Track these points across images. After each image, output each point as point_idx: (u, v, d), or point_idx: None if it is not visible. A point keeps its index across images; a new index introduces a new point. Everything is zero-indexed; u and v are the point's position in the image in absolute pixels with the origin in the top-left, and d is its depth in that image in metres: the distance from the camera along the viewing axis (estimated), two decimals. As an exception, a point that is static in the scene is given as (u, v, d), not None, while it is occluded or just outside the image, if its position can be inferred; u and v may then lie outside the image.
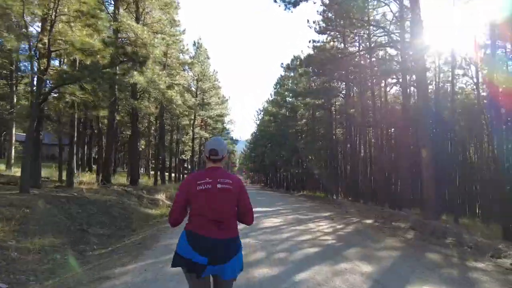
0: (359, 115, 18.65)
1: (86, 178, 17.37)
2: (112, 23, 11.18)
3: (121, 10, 13.20)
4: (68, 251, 5.11)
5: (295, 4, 12.46)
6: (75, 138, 11.63)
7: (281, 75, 33.85)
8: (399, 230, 8.70)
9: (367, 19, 16.30)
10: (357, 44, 20.05)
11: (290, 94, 31.89)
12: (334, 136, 23.00)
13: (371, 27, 17.54)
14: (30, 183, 7.92)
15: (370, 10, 16.53)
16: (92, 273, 3.92)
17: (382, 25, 16.06)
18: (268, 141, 38.15)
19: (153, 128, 30.41)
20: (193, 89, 28.91)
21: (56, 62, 12.48)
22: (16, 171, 13.13)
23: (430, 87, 22.44)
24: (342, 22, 17.42)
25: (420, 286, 3.78)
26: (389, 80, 18.98)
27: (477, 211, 21.15)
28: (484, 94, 17.71)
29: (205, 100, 28.90)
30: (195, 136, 29.68)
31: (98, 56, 7.88)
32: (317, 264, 4.45)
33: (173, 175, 33.32)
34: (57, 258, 4.72)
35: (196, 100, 24.81)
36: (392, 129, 18.42)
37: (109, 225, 7.59)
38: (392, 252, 5.76)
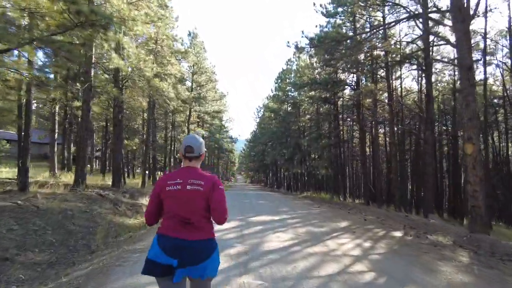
0: (372, 109, 16.64)
1: (68, 179, 15.48)
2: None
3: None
4: None
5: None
6: (24, 131, 9.52)
7: (282, 69, 31.88)
8: (443, 248, 6.67)
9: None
10: (368, 29, 18.08)
11: (292, 89, 29.92)
12: (341, 133, 20.97)
13: (386, 7, 15.55)
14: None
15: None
16: None
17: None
18: (269, 139, 36.14)
19: (151, 127, 28.34)
20: (189, 83, 26.91)
21: None
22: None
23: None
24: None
25: None
26: (406, 68, 17.00)
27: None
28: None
29: (201, 94, 26.85)
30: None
31: (47, 18, 5.86)
32: None
33: (167, 175, 31.23)
34: None
35: (190, 93, 22.75)
36: (413, 123, 16.38)
37: (57, 246, 5.56)
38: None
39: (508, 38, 14.88)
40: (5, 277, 4.06)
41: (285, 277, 3.98)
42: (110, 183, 14.75)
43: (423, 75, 13.99)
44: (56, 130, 17.60)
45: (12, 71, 6.54)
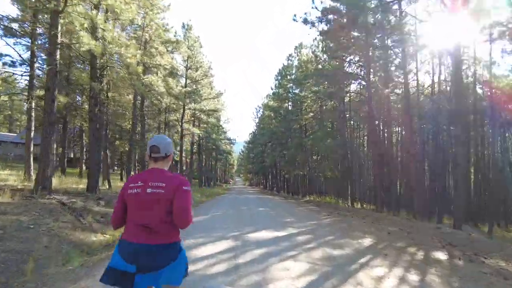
0: (385, 104, 14.78)
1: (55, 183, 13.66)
2: None
3: None
4: None
5: None
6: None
7: (283, 64, 29.98)
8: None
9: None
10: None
11: (294, 86, 28.08)
12: (348, 131, 19.06)
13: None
14: None
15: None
16: None
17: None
18: (269, 140, 34.22)
19: (140, 126, 26.42)
20: (182, 80, 25.02)
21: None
22: None
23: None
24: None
25: None
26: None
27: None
28: None
29: (196, 91, 24.93)
30: (184, 133, 25.67)
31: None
32: None
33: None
34: None
35: (183, 89, 20.86)
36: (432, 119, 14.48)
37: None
38: None
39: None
40: None
41: None
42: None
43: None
44: (33, 128, 15.70)
45: None
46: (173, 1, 29.52)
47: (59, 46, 9.28)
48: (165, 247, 1.74)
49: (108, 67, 12.09)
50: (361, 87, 18.14)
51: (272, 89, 32.90)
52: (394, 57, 14.29)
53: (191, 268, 2.94)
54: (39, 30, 13.76)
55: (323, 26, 12.91)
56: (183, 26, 24.78)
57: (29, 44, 14.74)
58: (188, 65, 24.59)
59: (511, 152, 19.45)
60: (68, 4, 8.93)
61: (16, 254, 4.94)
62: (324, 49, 17.86)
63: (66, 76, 16.91)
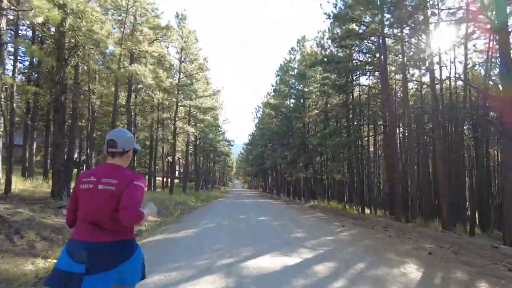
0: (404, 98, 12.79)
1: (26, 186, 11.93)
2: None
3: None
4: None
5: None
6: None
7: (285, 59, 28.04)
8: None
9: None
10: None
11: (296, 83, 26.11)
12: (359, 129, 17.03)
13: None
14: None
15: None
16: None
17: None
18: (269, 140, 32.20)
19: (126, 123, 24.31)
20: (177, 73, 23.03)
21: None
22: None
23: None
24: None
25: None
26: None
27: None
28: None
29: (191, 86, 22.92)
30: (178, 132, 23.61)
31: None
32: None
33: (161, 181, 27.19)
34: None
35: (174, 80, 18.87)
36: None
37: None
38: None
39: None
40: None
41: None
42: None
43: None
44: (2, 128, 13.70)
45: None
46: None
47: (4, 12, 7.25)
48: (117, 244, 1.65)
49: (79, 49, 10.06)
50: (374, 79, 16.17)
51: (272, 86, 30.96)
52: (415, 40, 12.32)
53: None
54: None
55: (331, 8, 11.01)
56: (177, 16, 22.84)
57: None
58: (182, 58, 22.62)
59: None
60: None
61: None
62: (332, 36, 15.88)
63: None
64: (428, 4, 11.68)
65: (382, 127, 17.37)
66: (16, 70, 14.40)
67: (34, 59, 15.38)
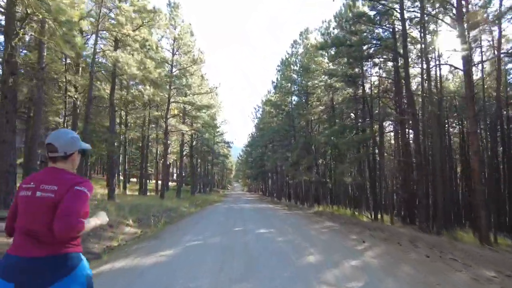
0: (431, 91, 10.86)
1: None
2: None
3: None
4: None
5: None
6: None
7: (287, 52, 26.19)
8: None
9: None
10: None
11: (299, 79, 24.23)
12: (372, 125, 15.06)
13: None
14: None
15: None
16: None
17: None
18: (270, 141, 30.27)
19: (109, 120, 22.54)
20: (170, 66, 21.15)
21: None
22: None
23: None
24: None
25: None
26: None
27: None
28: None
29: (184, 79, 21.03)
30: (169, 131, 21.65)
31: None
32: None
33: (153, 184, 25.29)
34: None
35: (164, 70, 16.99)
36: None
37: None
38: None
39: None
40: None
41: None
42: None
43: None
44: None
45: None
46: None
47: None
48: (53, 259, 1.43)
49: (32, 19, 8.13)
50: (390, 68, 14.26)
51: (273, 82, 29.10)
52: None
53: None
54: None
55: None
56: (169, 4, 20.97)
57: None
58: (175, 49, 20.74)
59: None
60: None
61: None
62: (340, 21, 14.01)
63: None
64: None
65: (395, 123, 15.43)
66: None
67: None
